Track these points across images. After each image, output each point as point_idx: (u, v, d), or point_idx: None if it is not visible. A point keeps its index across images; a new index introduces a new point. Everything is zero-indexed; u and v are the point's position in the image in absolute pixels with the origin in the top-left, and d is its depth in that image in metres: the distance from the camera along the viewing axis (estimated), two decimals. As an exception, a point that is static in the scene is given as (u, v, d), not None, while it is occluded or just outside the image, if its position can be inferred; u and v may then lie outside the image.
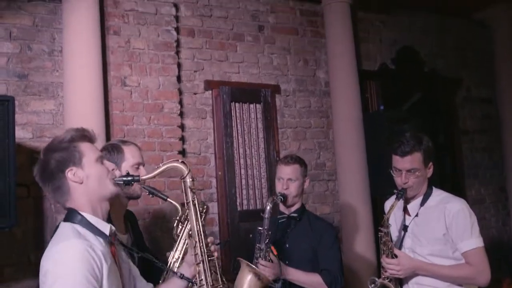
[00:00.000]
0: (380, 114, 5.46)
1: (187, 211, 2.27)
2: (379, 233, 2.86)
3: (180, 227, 2.82)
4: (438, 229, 2.81)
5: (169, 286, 2.29)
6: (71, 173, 1.94)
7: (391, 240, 2.87)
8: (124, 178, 2.10)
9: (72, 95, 3.88)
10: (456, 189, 5.94)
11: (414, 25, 6.18)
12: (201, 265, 2.17)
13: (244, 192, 4.76)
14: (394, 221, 2.99)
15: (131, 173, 2.24)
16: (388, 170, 2.94)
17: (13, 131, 3.24)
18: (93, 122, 3.78)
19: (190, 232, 2.24)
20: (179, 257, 2.74)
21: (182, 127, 4.51)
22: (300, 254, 3.16)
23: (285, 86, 5.15)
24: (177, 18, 4.60)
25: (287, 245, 3.20)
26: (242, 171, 4.77)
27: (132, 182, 2.12)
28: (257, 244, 3.02)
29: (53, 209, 3.90)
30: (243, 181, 4.76)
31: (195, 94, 4.68)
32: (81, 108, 3.84)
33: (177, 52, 4.56)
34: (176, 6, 4.60)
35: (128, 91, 4.25)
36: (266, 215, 3.04)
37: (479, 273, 2.77)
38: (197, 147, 4.63)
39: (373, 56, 5.82)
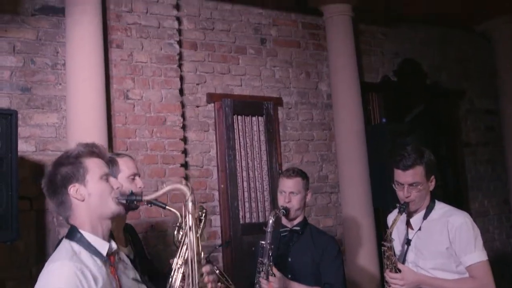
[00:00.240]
0: (382, 127, 5.46)
1: (185, 236, 2.25)
2: (382, 247, 2.85)
3: (181, 233, 2.82)
4: (441, 242, 2.80)
5: None
6: (73, 190, 1.95)
7: (395, 255, 2.86)
8: (127, 198, 2.08)
9: (75, 108, 3.90)
10: (460, 202, 5.92)
11: (416, 37, 6.20)
12: None
13: (247, 205, 4.75)
14: (397, 235, 2.98)
15: (132, 190, 2.23)
16: (391, 183, 2.93)
17: (15, 145, 3.25)
18: (95, 135, 3.79)
19: (186, 258, 2.22)
20: (182, 263, 2.74)
21: (184, 140, 4.51)
22: (303, 268, 3.15)
23: (287, 99, 5.16)
24: (179, 31, 4.62)
25: (290, 259, 3.20)
26: (245, 184, 4.76)
27: (135, 202, 2.11)
28: (260, 259, 3.01)
29: (55, 223, 3.90)
30: (246, 194, 4.75)
31: (197, 107, 4.69)
32: (84, 121, 3.85)
33: (180, 65, 4.58)
34: (178, 19, 4.62)
35: (130, 104, 4.26)
36: (269, 229, 3.04)
37: (483, 286, 2.75)
38: (200, 160, 4.63)
39: (375, 68, 5.83)
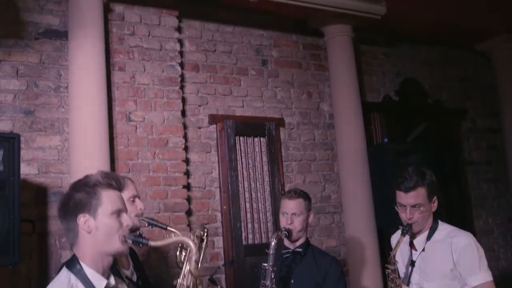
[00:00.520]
0: (384, 146, 5.46)
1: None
2: (386, 270, 2.83)
3: (183, 253, 2.81)
4: (446, 264, 2.79)
5: None
6: (82, 220, 1.93)
7: (399, 277, 2.85)
8: (134, 238, 2.03)
9: (78, 130, 3.91)
10: (464, 220, 5.89)
11: (417, 57, 6.24)
12: None
13: (250, 226, 4.74)
14: (400, 256, 2.97)
15: (140, 233, 2.24)
16: (393, 205, 2.93)
17: (18, 168, 3.26)
18: (98, 158, 3.81)
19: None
20: (186, 284, 2.73)
21: (186, 161, 4.52)
22: (306, 290, 3.13)
23: (289, 119, 5.17)
24: (181, 53, 4.66)
25: (293, 281, 3.18)
26: (247, 205, 4.76)
27: (140, 245, 2.09)
28: (262, 281, 3.01)
29: (57, 245, 3.89)
30: (248, 215, 4.74)
31: (199, 128, 4.70)
32: (87, 143, 3.86)
33: (182, 87, 4.60)
34: (180, 41, 4.66)
35: (133, 126, 4.28)
36: (271, 251, 3.03)
37: (489, 306, 2.74)
38: (202, 181, 4.63)
39: (376, 88, 5.86)
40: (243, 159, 4.81)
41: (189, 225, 4.37)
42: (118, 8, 4.38)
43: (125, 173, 3.97)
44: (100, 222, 1.92)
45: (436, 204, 2.89)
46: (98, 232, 1.92)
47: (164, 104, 4.42)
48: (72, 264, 1.94)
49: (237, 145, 4.79)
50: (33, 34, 4.10)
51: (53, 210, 3.79)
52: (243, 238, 4.66)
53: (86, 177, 2.03)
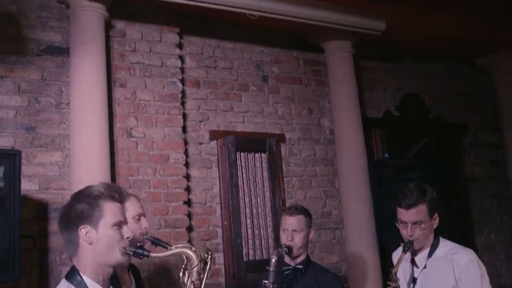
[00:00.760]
0: (385, 162, 5.45)
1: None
2: (388, 287, 2.82)
3: (187, 275, 2.80)
4: (447, 281, 2.77)
5: None
6: (84, 231, 1.92)
7: (401, 294, 2.83)
8: (134, 250, 2.02)
9: (79, 146, 3.92)
10: (466, 236, 5.85)
11: (417, 72, 6.25)
12: None
13: (250, 242, 4.72)
14: (402, 273, 2.94)
15: (141, 244, 2.23)
16: (395, 222, 2.92)
17: (19, 185, 3.27)
18: (99, 174, 3.81)
19: None
20: None
21: (187, 177, 4.52)
22: (307, 307, 3.11)
23: (290, 135, 5.18)
24: (182, 69, 4.68)
25: (293, 298, 3.16)
26: (248, 221, 4.75)
27: (141, 257, 2.08)
28: (263, 298, 2.98)
29: (58, 261, 3.88)
30: (249, 231, 4.73)
31: (200, 144, 4.71)
32: (88, 159, 3.87)
33: (183, 103, 4.62)
34: (181, 58, 4.68)
35: (134, 142, 4.29)
36: (272, 268, 3.02)
37: (491, 324, 2.72)
38: (203, 197, 4.63)
39: (377, 103, 5.87)
40: (244, 175, 4.81)
41: (189, 241, 4.36)
42: (120, 24, 4.42)
43: (126, 189, 3.96)
44: (102, 233, 1.92)
45: (437, 220, 2.88)
46: (99, 244, 1.92)
47: (165, 120, 4.43)
48: (72, 275, 1.93)
49: (238, 160, 4.79)
50: (35, 50, 4.12)
51: (54, 226, 3.78)
52: (244, 254, 4.65)
53: (88, 188, 2.02)
